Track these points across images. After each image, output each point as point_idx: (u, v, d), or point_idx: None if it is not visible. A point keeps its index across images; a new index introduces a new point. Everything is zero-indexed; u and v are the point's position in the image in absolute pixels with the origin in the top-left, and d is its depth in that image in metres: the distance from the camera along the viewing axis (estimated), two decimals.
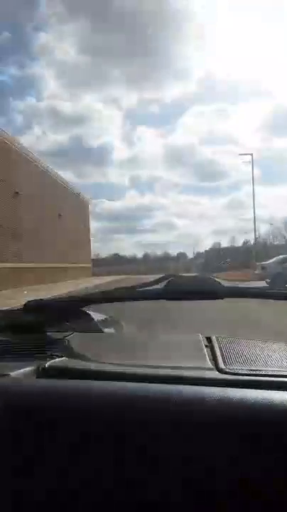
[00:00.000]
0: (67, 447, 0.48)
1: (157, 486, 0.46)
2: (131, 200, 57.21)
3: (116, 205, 57.50)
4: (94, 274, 33.45)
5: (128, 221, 60.14)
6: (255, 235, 32.63)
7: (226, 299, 0.82)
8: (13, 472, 0.47)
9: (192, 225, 55.69)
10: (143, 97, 66.26)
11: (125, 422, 0.48)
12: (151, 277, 0.97)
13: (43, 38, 50.75)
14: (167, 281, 0.88)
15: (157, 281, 0.91)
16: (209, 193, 77.63)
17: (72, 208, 28.13)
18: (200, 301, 0.91)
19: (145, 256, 45.47)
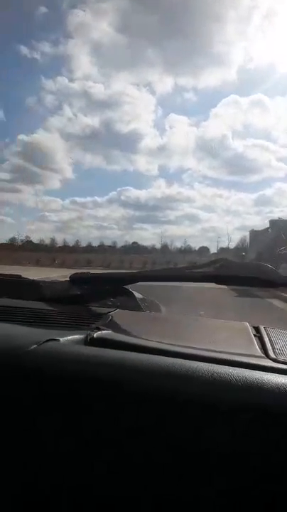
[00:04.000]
0: (113, 415, 0.48)
1: (191, 471, 0.45)
2: (157, 190, 56.06)
3: (142, 194, 56.61)
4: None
5: (152, 211, 59.22)
6: None
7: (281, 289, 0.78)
8: (52, 430, 0.48)
9: (216, 219, 53.34)
10: (178, 82, 63.67)
11: (176, 397, 0.47)
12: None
13: (80, 15, 49.55)
14: (219, 264, 0.84)
15: (208, 264, 0.88)
16: (237, 187, 73.99)
17: None
18: (251, 289, 0.87)
19: (164, 247, 43.61)
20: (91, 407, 0.48)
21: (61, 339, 0.57)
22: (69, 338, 0.59)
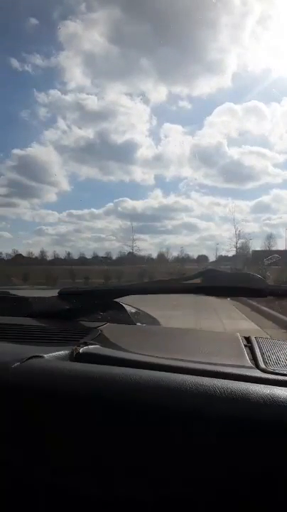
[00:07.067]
0: (97, 429, 0.47)
1: (177, 481, 0.45)
2: (154, 200, 55.32)
3: (139, 204, 56.05)
4: None
5: (149, 221, 58.26)
6: None
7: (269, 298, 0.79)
8: (39, 449, 0.48)
9: (214, 228, 52.84)
10: (172, 91, 63.17)
11: (160, 411, 0.46)
12: None
13: (71, 26, 49.34)
14: (207, 275, 0.85)
15: (197, 275, 0.88)
16: (235, 195, 73.65)
17: None
18: (240, 298, 0.88)
19: (160, 256, 42.03)
20: (71, 423, 0.48)
21: (46, 355, 0.56)
22: (54, 354, 0.58)
